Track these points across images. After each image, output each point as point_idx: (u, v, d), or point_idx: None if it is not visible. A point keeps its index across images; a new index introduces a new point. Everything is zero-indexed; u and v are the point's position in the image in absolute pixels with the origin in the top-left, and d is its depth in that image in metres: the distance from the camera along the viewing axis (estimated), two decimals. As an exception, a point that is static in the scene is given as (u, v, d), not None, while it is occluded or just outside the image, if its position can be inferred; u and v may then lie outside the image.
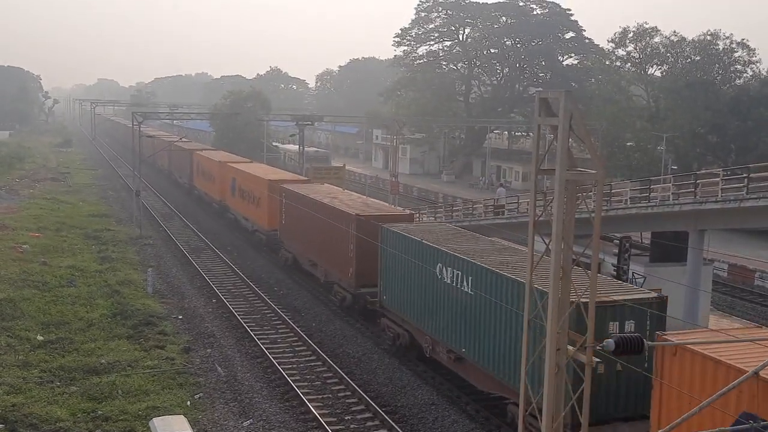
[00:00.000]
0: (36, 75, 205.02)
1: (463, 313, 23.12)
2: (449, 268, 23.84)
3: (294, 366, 27.68)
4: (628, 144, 75.19)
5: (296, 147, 75.54)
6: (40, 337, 28.59)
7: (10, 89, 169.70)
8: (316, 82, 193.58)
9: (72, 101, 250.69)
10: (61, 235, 48.88)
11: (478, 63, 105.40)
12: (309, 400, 24.23)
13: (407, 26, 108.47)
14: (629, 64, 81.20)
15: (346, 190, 44.64)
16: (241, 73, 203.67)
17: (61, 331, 29.51)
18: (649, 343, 11.54)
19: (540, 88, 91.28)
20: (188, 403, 23.62)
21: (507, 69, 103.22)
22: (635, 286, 24.51)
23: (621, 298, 19.00)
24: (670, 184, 36.37)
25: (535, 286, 13.07)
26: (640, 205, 36.42)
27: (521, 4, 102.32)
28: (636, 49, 79.58)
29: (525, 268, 18.50)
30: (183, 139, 78.77)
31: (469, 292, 22.56)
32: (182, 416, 19.75)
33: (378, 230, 29.19)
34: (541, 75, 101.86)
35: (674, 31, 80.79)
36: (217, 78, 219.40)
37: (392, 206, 41.90)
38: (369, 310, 31.66)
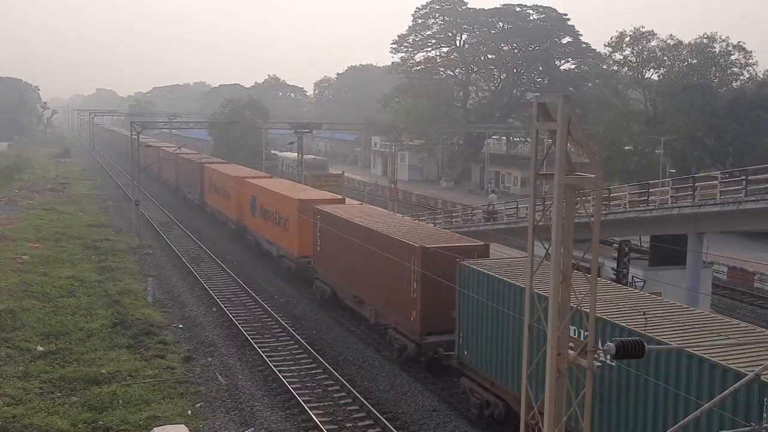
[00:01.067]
0: (34, 86, 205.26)
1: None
2: (571, 327, 18.45)
3: (295, 374, 27.65)
4: (626, 148, 75.36)
5: (294, 155, 75.40)
6: (40, 348, 28.54)
7: (9, 100, 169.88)
8: (314, 90, 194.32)
9: (70, 111, 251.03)
10: (61, 246, 48.86)
11: (475, 69, 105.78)
12: (310, 408, 24.21)
13: (405, 33, 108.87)
14: (626, 68, 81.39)
15: (401, 215, 39.43)
16: (239, 82, 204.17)
17: (61, 341, 29.45)
18: (649, 346, 11.47)
19: (537, 93, 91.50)
20: (189, 412, 23.57)
21: (504, 74, 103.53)
22: None
23: None
24: (669, 188, 36.47)
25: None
26: (639, 208, 36.51)
27: (518, 9, 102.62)
28: (633, 53, 79.79)
29: (693, 328, 16.68)
30: (182, 148, 78.27)
31: (610, 362, 16.50)
32: (183, 426, 19.74)
33: (454, 268, 23.56)
34: (538, 80, 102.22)
35: (671, 35, 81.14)
36: (215, 87, 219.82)
37: (459, 235, 33.09)
38: (441, 363, 26.36)
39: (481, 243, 28.27)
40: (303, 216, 38.40)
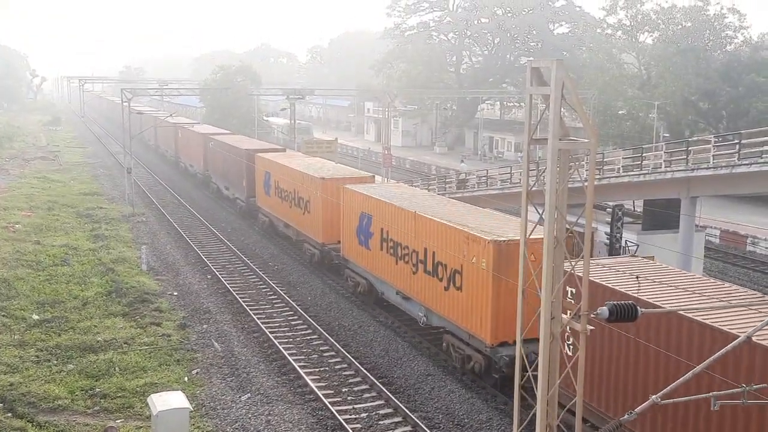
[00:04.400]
0: (23, 53, 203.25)
1: None
2: None
3: (290, 340, 27.79)
4: (620, 112, 75.24)
5: (281, 120, 74.65)
6: (35, 317, 28.60)
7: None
8: (307, 56, 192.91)
9: (60, 79, 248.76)
10: (53, 214, 48.74)
11: (468, 33, 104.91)
12: (306, 373, 24.37)
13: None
14: (620, 31, 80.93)
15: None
16: (230, 48, 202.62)
17: (56, 309, 29.50)
18: (643, 310, 11.56)
19: (531, 58, 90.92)
20: (186, 378, 23.72)
21: (498, 39, 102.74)
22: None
23: None
24: (662, 152, 36.48)
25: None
26: (632, 173, 36.54)
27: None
28: (627, 17, 79.27)
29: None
30: (215, 129, 65.35)
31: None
32: (180, 392, 19.85)
33: None
34: (532, 44, 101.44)
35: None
36: (206, 53, 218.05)
37: None
38: None
39: None
40: (501, 275, 21.30)
